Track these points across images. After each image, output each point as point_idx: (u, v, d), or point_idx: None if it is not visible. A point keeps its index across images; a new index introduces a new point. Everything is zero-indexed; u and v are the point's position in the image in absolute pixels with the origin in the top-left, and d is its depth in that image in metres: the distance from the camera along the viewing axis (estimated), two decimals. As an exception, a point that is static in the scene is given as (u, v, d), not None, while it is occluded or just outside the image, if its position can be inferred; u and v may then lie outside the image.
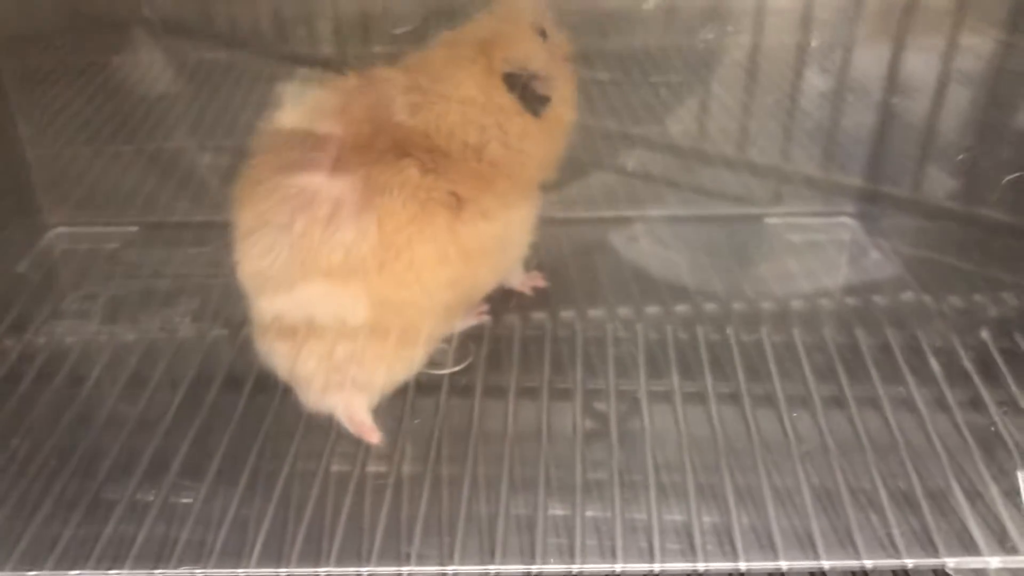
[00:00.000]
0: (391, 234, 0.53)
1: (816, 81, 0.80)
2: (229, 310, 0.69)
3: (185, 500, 0.56)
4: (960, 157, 0.73)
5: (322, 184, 0.53)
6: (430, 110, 0.57)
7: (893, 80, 0.77)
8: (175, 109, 0.88)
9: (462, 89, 0.59)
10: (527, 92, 0.61)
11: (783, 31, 0.79)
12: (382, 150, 0.54)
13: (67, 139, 0.85)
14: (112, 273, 0.77)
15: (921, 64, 0.76)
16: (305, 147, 0.54)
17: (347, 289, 0.53)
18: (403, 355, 0.57)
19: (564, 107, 0.64)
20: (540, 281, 0.71)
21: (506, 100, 0.60)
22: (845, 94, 0.79)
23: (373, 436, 0.58)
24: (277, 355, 0.57)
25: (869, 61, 0.78)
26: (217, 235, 0.79)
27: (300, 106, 0.57)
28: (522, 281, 0.70)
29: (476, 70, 0.60)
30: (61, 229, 0.83)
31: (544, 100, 0.62)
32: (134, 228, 0.82)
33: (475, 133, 0.59)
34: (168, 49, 0.89)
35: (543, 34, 0.63)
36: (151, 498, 0.56)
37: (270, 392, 0.61)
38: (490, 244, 0.59)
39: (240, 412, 0.61)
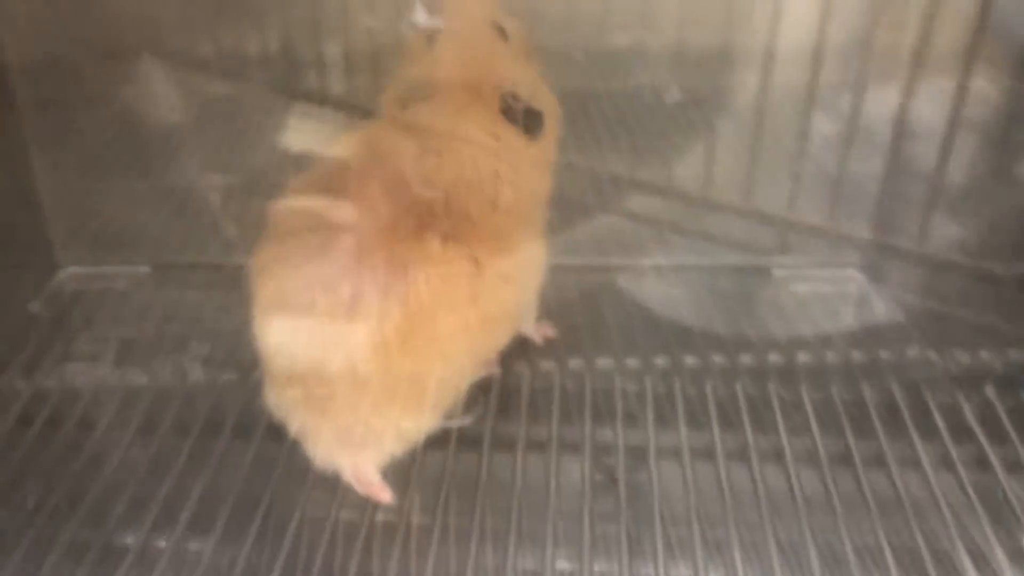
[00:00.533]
0: (414, 312, 0.53)
1: (824, 127, 0.81)
2: (239, 355, 0.70)
3: (195, 548, 0.56)
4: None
5: (344, 267, 0.53)
6: (446, 174, 0.57)
7: (901, 126, 0.78)
8: (186, 144, 0.89)
9: (472, 140, 0.60)
10: (524, 116, 0.61)
11: (791, 74, 0.80)
12: (402, 226, 0.54)
13: (79, 172, 0.86)
14: (123, 315, 0.77)
15: (929, 110, 0.77)
16: (324, 227, 0.54)
17: (366, 362, 0.53)
18: (416, 418, 0.57)
19: (551, 118, 0.64)
20: (550, 331, 0.71)
21: (509, 134, 0.61)
22: (853, 140, 0.80)
23: (383, 495, 0.58)
24: (288, 411, 0.57)
25: (877, 106, 0.78)
26: (227, 278, 0.80)
27: (316, 181, 0.58)
28: (533, 329, 0.71)
29: (478, 112, 0.60)
30: (73, 269, 0.84)
31: (540, 117, 0.62)
32: (146, 269, 0.83)
33: (490, 182, 0.59)
34: (179, 81, 0.90)
35: (503, 33, 0.63)
36: (162, 545, 0.56)
37: (280, 440, 0.61)
38: (509, 306, 0.59)
39: (250, 459, 0.61)
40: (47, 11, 0.83)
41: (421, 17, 0.61)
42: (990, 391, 0.66)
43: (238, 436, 0.64)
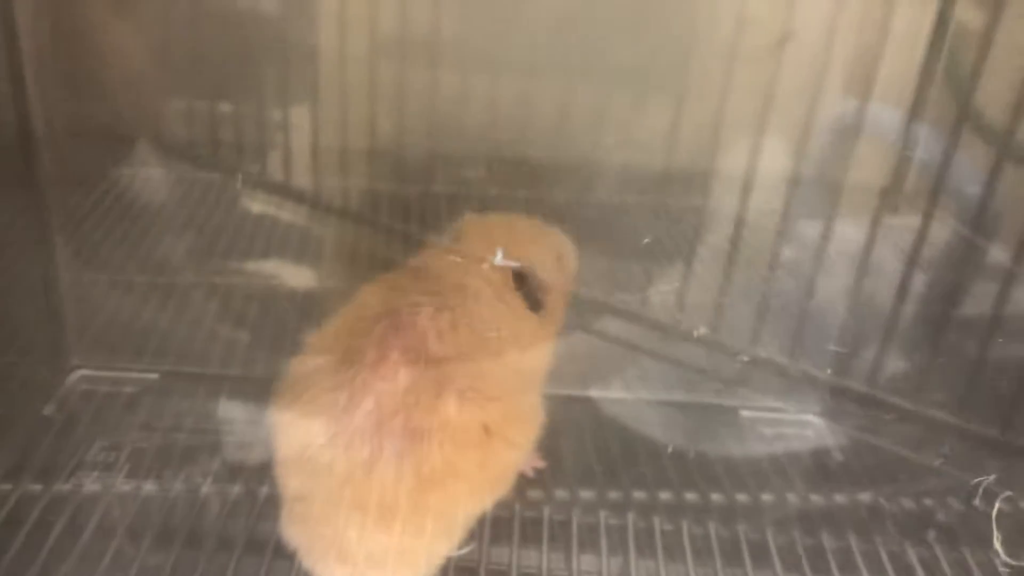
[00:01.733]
0: (427, 477, 0.59)
1: (790, 264, 0.88)
2: (245, 472, 0.74)
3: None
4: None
5: (364, 431, 0.58)
6: (460, 331, 0.63)
7: (863, 267, 0.85)
8: (183, 239, 0.94)
9: (480, 296, 0.66)
10: (531, 291, 0.69)
11: (762, 205, 0.88)
12: (420, 388, 0.60)
13: (88, 266, 0.90)
14: (132, 422, 0.81)
15: (889, 253, 0.85)
16: (346, 387, 0.60)
17: (379, 520, 0.59)
18: (419, 559, 0.63)
19: (557, 303, 0.71)
20: (539, 462, 0.77)
21: (516, 301, 0.68)
22: (816, 280, 0.87)
23: None
24: (296, 536, 0.63)
25: (841, 245, 0.86)
26: (228, 389, 0.85)
27: (336, 338, 0.63)
28: (525, 463, 0.76)
29: (489, 277, 0.67)
30: (84, 371, 0.88)
31: (542, 296, 0.69)
32: (153, 375, 0.87)
33: (496, 340, 0.65)
34: (180, 173, 0.96)
35: (559, 260, 0.72)
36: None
37: (289, 558, 0.66)
38: (512, 467, 0.66)
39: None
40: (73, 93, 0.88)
41: (499, 258, 0.68)
42: (931, 536, 0.73)
43: (250, 552, 0.68)
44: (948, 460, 0.78)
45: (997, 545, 0.62)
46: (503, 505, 0.73)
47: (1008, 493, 0.62)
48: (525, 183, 0.94)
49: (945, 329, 0.83)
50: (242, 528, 0.70)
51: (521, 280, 0.69)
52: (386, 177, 1.00)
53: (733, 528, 0.72)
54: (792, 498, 0.76)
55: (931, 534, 0.73)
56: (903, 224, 0.85)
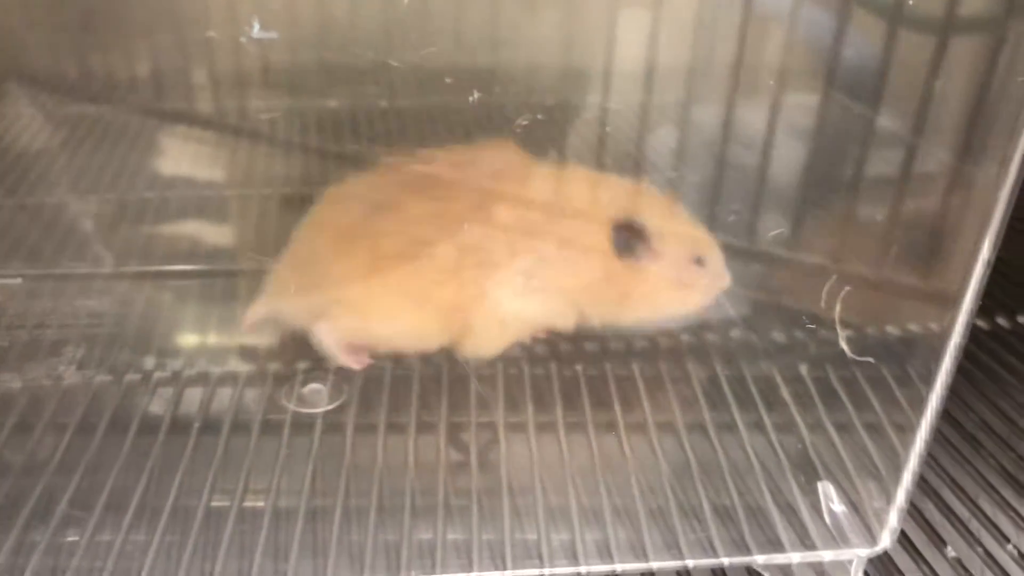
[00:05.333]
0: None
1: (662, 139, 0.88)
2: (113, 359, 0.73)
3: (72, 538, 0.59)
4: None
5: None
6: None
7: (730, 134, 0.85)
8: (56, 163, 0.91)
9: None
10: (622, 236, 0.69)
11: (628, 93, 0.88)
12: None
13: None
14: (-3, 323, 0.79)
15: (757, 120, 0.85)
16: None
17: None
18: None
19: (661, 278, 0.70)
20: None
21: (601, 236, 0.69)
22: (688, 150, 0.87)
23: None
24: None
25: (710, 117, 0.86)
26: (99, 288, 0.83)
27: None
28: None
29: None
30: (-57, 282, 0.85)
31: (632, 246, 0.69)
32: (16, 280, 0.85)
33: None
34: (44, 103, 0.92)
35: (700, 262, 0.71)
36: (37, 539, 0.59)
37: (154, 434, 0.66)
38: (447, 304, 0.69)
39: (125, 454, 0.65)
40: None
41: (256, 30, 0.66)
42: (804, 369, 0.74)
43: (113, 433, 0.67)
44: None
45: (843, 344, 0.63)
46: (375, 366, 0.73)
47: (848, 288, 0.63)
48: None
49: (815, 187, 0.84)
50: (106, 413, 0.69)
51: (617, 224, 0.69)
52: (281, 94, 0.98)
53: (602, 368, 0.72)
54: (664, 340, 0.76)
55: (804, 366, 0.74)
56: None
